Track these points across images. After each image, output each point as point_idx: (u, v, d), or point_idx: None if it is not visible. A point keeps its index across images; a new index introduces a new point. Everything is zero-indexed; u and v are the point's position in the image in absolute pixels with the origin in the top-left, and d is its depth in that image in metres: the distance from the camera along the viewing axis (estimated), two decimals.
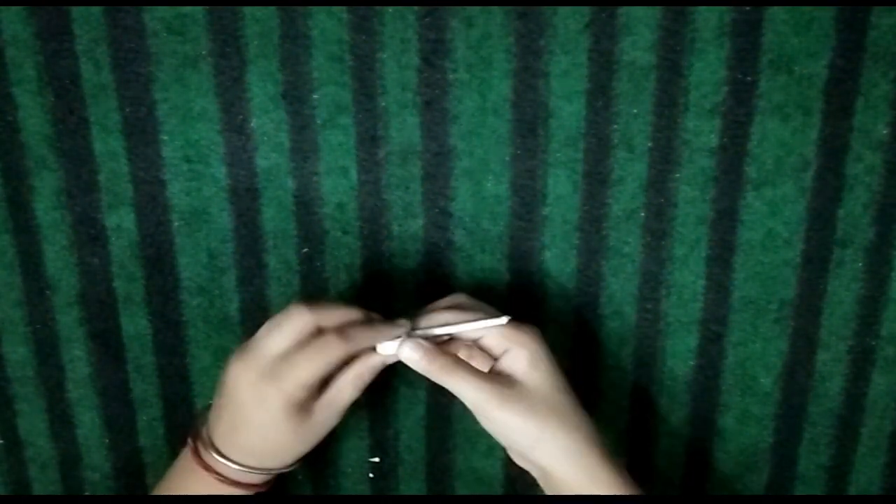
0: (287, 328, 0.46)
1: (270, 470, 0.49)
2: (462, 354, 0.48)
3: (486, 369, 0.48)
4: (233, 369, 0.47)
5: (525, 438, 0.46)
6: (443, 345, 0.49)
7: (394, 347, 0.48)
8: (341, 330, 0.46)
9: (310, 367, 0.45)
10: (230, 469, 0.48)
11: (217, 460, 0.48)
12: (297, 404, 0.46)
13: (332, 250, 0.54)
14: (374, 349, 0.48)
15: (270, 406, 0.46)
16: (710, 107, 0.49)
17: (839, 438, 0.57)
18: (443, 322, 0.49)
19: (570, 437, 0.46)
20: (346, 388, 0.48)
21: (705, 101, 0.49)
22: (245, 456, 0.48)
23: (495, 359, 0.48)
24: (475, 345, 0.49)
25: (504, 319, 0.48)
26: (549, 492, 0.48)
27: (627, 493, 0.47)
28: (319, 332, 0.46)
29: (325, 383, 0.48)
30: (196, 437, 0.50)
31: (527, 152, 0.51)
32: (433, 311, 0.50)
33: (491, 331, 0.48)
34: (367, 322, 0.48)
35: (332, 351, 0.46)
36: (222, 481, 0.48)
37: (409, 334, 0.48)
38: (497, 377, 0.47)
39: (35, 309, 0.56)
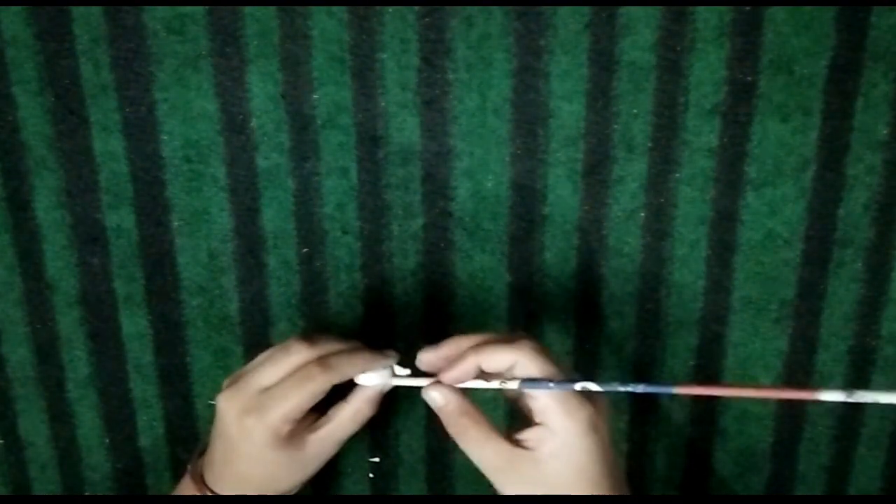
0: (283, 363, 0.45)
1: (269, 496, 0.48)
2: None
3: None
4: (222, 400, 0.46)
5: None
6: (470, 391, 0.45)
7: (376, 379, 0.47)
8: (323, 360, 0.45)
9: (292, 399, 0.44)
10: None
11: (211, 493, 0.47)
12: (284, 437, 0.45)
13: (332, 250, 0.54)
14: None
15: (256, 439, 0.45)
16: (710, 107, 0.49)
17: (839, 438, 0.57)
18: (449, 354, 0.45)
19: None
20: (346, 423, 0.47)
21: (705, 101, 0.49)
22: (237, 486, 0.47)
23: (532, 419, 0.44)
24: (519, 400, 0.45)
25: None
26: None
27: None
28: None
29: (322, 412, 0.47)
30: (195, 468, 0.49)
31: (527, 152, 0.51)
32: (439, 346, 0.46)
33: (542, 394, 0.43)
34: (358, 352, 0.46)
35: (312, 382, 0.44)
36: None
37: (395, 368, 0.47)
38: (516, 451, 0.44)
39: (35, 309, 0.56)
